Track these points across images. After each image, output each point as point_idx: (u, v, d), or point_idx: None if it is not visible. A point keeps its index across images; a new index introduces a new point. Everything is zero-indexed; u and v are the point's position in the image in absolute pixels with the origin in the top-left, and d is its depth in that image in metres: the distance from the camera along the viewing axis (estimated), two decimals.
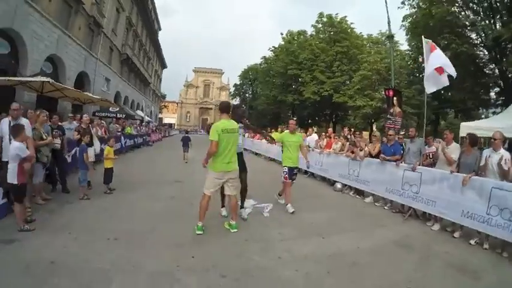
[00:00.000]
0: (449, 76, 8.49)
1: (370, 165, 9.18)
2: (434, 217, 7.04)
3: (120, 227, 5.62)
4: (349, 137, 12.07)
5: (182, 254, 4.61)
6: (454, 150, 7.20)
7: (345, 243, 5.55)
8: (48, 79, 11.89)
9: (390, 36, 21.28)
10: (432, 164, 7.86)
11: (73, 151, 9.64)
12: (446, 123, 35.94)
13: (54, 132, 7.65)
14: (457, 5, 23.35)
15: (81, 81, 24.84)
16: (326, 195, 9.77)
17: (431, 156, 8.06)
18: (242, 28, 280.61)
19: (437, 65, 8.25)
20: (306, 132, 15.71)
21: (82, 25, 23.83)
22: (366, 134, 27.71)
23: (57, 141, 7.69)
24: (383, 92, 25.86)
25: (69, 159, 9.36)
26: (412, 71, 30.79)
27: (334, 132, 14.67)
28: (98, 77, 27.83)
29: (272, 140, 8.75)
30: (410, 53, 31.34)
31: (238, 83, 71.04)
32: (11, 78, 11.79)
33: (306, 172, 12.13)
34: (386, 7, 18.74)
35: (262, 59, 54.59)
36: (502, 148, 6.21)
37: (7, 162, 5.20)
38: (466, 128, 12.49)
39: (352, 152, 10.11)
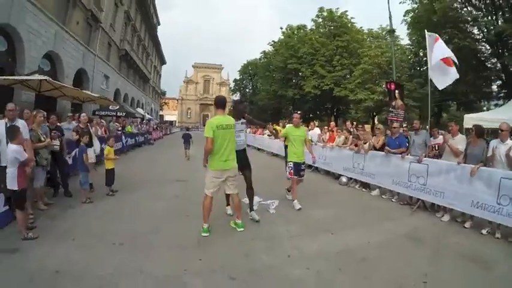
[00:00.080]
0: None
1: (375, 158, 9.10)
2: (444, 208, 7.00)
3: (124, 230, 5.49)
4: (352, 130, 11.95)
5: (188, 257, 4.48)
6: (460, 142, 7.15)
7: (354, 238, 5.43)
8: (46, 77, 11.69)
9: (391, 31, 21.10)
10: (438, 156, 7.79)
11: (73, 152, 9.38)
12: (448, 115, 35.85)
13: (52, 133, 7.45)
14: (459, 1, 23.23)
15: (80, 78, 24.55)
16: (332, 190, 9.65)
17: (437, 148, 8.01)
18: (241, 23, 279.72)
19: (444, 55, 8.10)
20: (307, 127, 15.59)
21: (80, 19, 23.41)
22: (367, 127, 27.63)
23: (56, 142, 7.49)
24: (384, 86, 25.82)
25: (69, 161, 9.15)
26: (413, 64, 30.72)
27: (336, 126, 14.53)
28: (97, 74, 27.50)
29: (276, 133, 8.42)
30: (411, 47, 31.33)
31: (238, 78, 70.88)
32: (7, 77, 11.61)
33: (310, 166, 12.01)
34: (388, 1, 18.60)
35: (262, 53, 54.35)
36: (509, 139, 6.19)
37: (5, 167, 4.98)
38: (470, 119, 12.41)
39: (356, 145, 9.99)
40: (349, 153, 10.21)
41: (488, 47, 23.54)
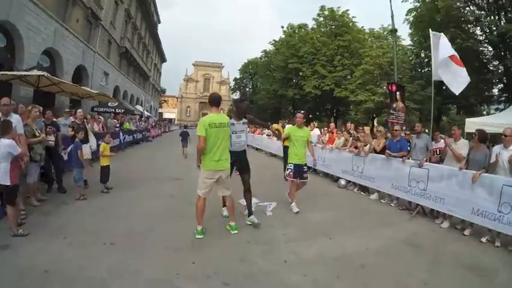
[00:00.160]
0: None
1: (375, 161, 8.98)
2: (443, 214, 6.88)
3: (117, 229, 5.36)
4: (352, 132, 11.83)
5: (182, 260, 4.34)
6: (462, 147, 6.98)
7: (353, 243, 5.31)
8: (44, 73, 11.59)
9: (393, 31, 20.96)
10: (440, 161, 7.65)
11: (69, 148, 9.17)
12: (448, 119, 35.77)
13: (48, 129, 7.34)
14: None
15: (79, 75, 24.44)
16: (330, 193, 9.51)
17: (438, 153, 7.86)
18: (242, 22, 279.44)
19: (451, 53, 7.95)
20: (307, 126, 15.48)
21: (80, 17, 23.33)
22: (367, 129, 27.53)
23: (51, 138, 7.39)
24: (385, 87, 25.69)
25: (65, 157, 8.93)
26: (414, 66, 30.57)
27: (335, 127, 14.42)
28: (96, 71, 27.38)
29: (278, 134, 7.99)
30: (412, 47, 31.12)
31: (238, 77, 70.69)
32: (5, 72, 11.54)
33: (308, 168, 11.92)
34: (390, 0, 18.46)
35: (262, 52, 54.04)
36: None
37: None
38: (472, 124, 12.29)
39: (356, 148, 9.87)
40: (349, 155, 10.08)
41: (491, 49, 23.36)
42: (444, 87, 23.76)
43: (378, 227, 6.43)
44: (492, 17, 22.20)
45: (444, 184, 6.78)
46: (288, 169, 7.30)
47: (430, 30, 8.30)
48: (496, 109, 25.75)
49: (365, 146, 9.56)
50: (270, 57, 48.42)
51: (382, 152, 8.84)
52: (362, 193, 9.46)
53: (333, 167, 10.97)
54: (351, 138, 10.66)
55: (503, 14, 21.70)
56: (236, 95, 71.04)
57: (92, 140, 8.81)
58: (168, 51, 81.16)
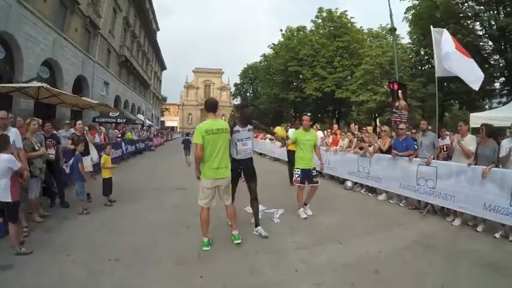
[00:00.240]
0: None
1: (381, 161, 8.85)
2: (454, 212, 6.76)
3: (121, 243, 5.20)
4: (356, 133, 11.67)
5: (189, 274, 4.18)
6: (470, 142, 6.85)
7: (364, 248, 5.13)
8: (43, 84, 11.51)
9: (393, 29, 20.88)
10: (447, 157, 7.52)
11: (71, 161, 9.07)
12: (450, 114, 35.57)
13: (47, 142, 7.21)
14: None
15: (80, 85, 24.45)
16: (337, 195, 9.33)
17: (445, 149, 7.72)
18: (241, 27, 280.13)
19: (454, 45, 7.79)
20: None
21: (78, 26, 23.35)
22: (369, 129, 27.41)
23: (51, 151, 7.27)
24: (386, 86, 25.59)
25: (67, 170, 8.77)
26: (415, 63, 30.49)
27: (338, 128, 14.27)
28: (97, 81, 27.39)
29: (283, 141, 7.56)
30: (412, 46, 31.09)
31: (238, 82, 70.71)
32: (4, 85, 11.47)
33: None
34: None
35: (262, 57, 54.03)
36: None
37: None
38: (476, 118, 12.10)
39: (361, 148, 9.73)
40: (354, 156, 9.94)
41: (491, 43, 23.29)
42: (445, 84, 23.83)
43: (389, 228, 6.28)
44: (491, 12, 22.12)
45: (453, 181, 6.67)
46: (295, 174, 7.08)
47: (431, 26, 8.12)
48: (499, 102, 25.61)
49: (370, 146, 9.41)
50: (270, 61, 48.47)
51: (388, 151, 8.70)
52: (370, 194, 9.32)
53: (339, 169, 10.82)
54: (355, 139, 10.52)
55: (501, 8, 21.67)
56: (237, 101, 71.16)
57: (93, 151, 8.69)
58: (167, 58, 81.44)
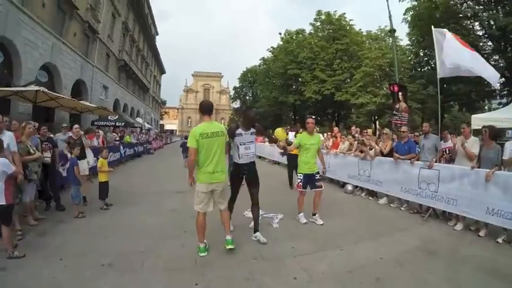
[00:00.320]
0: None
1: (382, 165, 8.71)
2: (456, 216, 6.62)
3: (116, 248, 5.08)
4: (356, 135, 11.54)
5: (184, 281, 4.04)
6: (473, 145, 6.74)
7: (366, 254, 5.01)
8: (41, 88, 11.48)
9: (392, 31, 20.81)
10: (450, 160, 7.39)
11: (67, 164, 9.01)
12: (450, 116, 35.55)
13: (43, 145, 7.11)
14: None
15: (79, 89, 24.38)
16: (337, 199, 9.18)
17: (448, 152, 7.58)
18: (240, 31, 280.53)
19: (460, 43, 7.66)
20: None
21: (77, 31, 23.33)
22: (369, 131, 27.36)
23: (47, 154, 7.16)
24: (386, 88, 25.52)
25: (64, 173, 8.68)
26: (414, 65, 30.46)
27: (339, 131, 14.14)
28: (96, 85, 27.37)
29: (285, 150, 7.18)
30: (411, 47, 31.08)
31: (237, 85, 70.73)
32: (2, 89, 11.43)
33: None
34: (387, 1, 18.35)
35: (261, 60, 53.96)
36: None
37: None
38: (478, 120, 11.98)
39: (361, 152, 9.61)
40: (354, 160, 9.82)
41: (490, 43, 23.24)
42: (445, 85, 23.75)
43: (390, 233, 6.16)
44: (490, 12, 22.06)
45: (456, 185, 6.54)
46: (297, 179, 6.88)
47: (432, 27, 8.00)
48: (499, 103, 25.60)
49: (370, 149, 9.30)
50: (269, 64, 48.36)
51: (389, 154, 8.58)
52: (370, 198, 9.21)
53: (339, 172, 10.69)
54: (356, 142, 10.40)
55: (500, 7, 21.60)
56: (236, 104, 71.14)
57: (90, 155, 8.58)
58: (167, 62, 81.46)
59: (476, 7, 22.61)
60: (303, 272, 4.34)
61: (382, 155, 8.87)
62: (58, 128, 11.69)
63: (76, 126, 8.85)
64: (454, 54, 7.36)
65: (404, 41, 32.24)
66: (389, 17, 18.89)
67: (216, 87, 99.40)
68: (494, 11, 21.77)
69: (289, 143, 9.74)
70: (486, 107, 32.05)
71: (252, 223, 5.78)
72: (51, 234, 5.70)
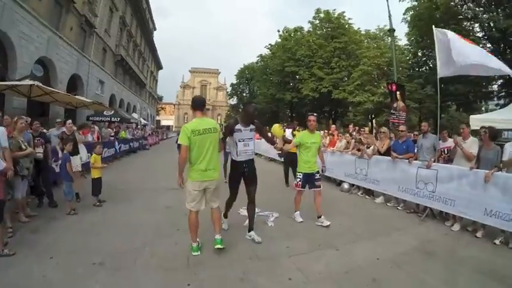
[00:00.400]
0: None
1: (379, 164, 8.64)
2: (453, 216, 6.57)
3: (108, 246, 4.96)
4: (354, 134, 11.46)
5: (176, 281, 3.95)
6: (472, 145, 6.67)
7: (362, 254, 4.94)
8: (35, 82, 11.33)
9: (391, 30, 20.75)
10: (448, 161, 7.32)
11: (60, 160, 8.90)
12: (447, 116, 35.58)
13: (35, 141, 6.96)
14: None
15: (74, 84, 24.19)
16: (333, 197, 9.07)
17: (446, 152, 7.52)
18: (239, 27, 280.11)
19: (464, 40, 7.53)
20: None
21: (74, 25, 23.07)
22: (366, 130, 27.39)
23: (39, 150, 7.02)
24: (384, 87, 25.53)
25: (57, 169, 8.53)
26: (412, 65, 30.53)
27: (336, 129, 14.06)
28: (92, 80, 27.15)
29: (281, 150, 6.83)
30: (409, 47, 31.16)
31: (234, 82, 70.61)
32: None
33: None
34: (387, 0, 18.28)
35: (258, 57, 53.94)
36: None
37: None
38: (476, 121, 11.91)
39: (359, 150, 9.53)
40: (351, 158, 9.75)
41: (490, 45, 23.23)
42: (443, 85, 23.73)
43: (387, 233, 6.08)
44: (490, 14, 22.02)
45: (454, 185, 6.48)
46: (296, 178, 6.72)
47: (433, 27, 7.88)
48: (496, 105, 25.67)
49: (368, 148, 9.22)
50: (266, 61, 48.34)
51: (386, 153, 8.51)
52: (367, 196, 9.14)
53: (335, 170, 10.59)
54: (353, 141, 10.32)
55: (501, 10, 21.59)
56: (233, 101, 71.04)
57: (83, 151, 8.45)
58: (164, 58, 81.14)
59: (477, 9, 22.61)
60: (299, 272, 4.26)
61: (380, 153, 8.79)
62: (53, 123, 11.55)
63: (69, 121, 8.73)
64: (465, 51, 7.19)
65: (402, 40, 32.36)
66: (389, 16, 18.83)
67: (213, 84, 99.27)
68: (495, 13, 21.77)
69: (286, 140, 9.64)
70: (483, 108, 32.14)
71: (247, 221, 5.67)
72: (43, 232, 5.59)
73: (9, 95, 13.71)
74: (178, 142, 4.62)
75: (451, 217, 6.69)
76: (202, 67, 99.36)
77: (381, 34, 35.05)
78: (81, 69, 24.72)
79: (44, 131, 8.56)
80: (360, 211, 7.74)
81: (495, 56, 20.39)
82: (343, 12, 36.49)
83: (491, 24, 21.58)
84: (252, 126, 5.34)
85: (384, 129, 9.42)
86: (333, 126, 14.33)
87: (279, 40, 42.65)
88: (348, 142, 10.65)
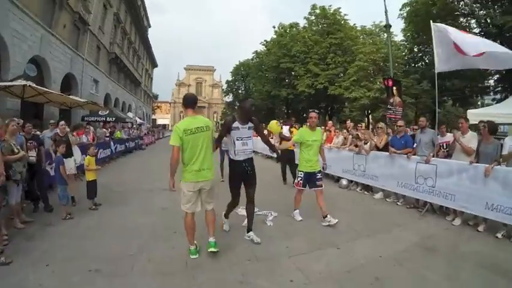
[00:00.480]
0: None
1: (378, 159, 8.59)
2: (454, 211, 6.57)
3: (104, 252, 4.85)
4: (350, 130, 11.36)
5: (174, 286, 3.86)
6: (471, 140, 6.66)
7: (363, 252, 4.87)
8: (27, 82, 11.14)
9: (387, 26, 20.69)
10: (447, 155, 7.29)
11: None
12: (443, 111, 35.67)
13: (28, 144, 6.77)
14: None
15: (69, 83, 23.85)
16: (332, 194, 8.90)
17: (445, 147, 7.49)
18: (234, 24, 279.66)
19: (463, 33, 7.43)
20: (302, 127, 15.03)
21: (67, 22, 22.67)
22: (362, 125, 27.44)
23: (32, 153, 6.84)
24: (380, 82, 25.55)
25: (51, 172, 8.29)
26: (408, 61, 30.62)
27: (333, 125, 13.99)
28: (86, 79, 26.82)
29: (277, 154, 6.45)
30: (405, 43, 31.31)
31: (230, 79, 70.39)
32: None
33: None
34: None
35: (254, 53, 53.73)
36: None
37: None
38: (473, 115, 11.86)
39: (356, 146, 9.46)
40: (349, 154, 9.68)
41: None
42: (439, 80, 23.75)
43: (387, 229, 6.03)
44: (487, 10, 22.10)
45: (454, 179, 6.46)
46: (297, 177, 6.53)
47: (431, 22, 7.78)
48: (493, 99, 25.76)
49: (365, 143, 9.15)
50: (262, 57, 48.18)
51: (384, 149, 8.44)
52: (365, 192, 9.11)
53: (333, 166, 10.48)
54: (351, 137, 10.24)
55: (497, 6, 21.70)
56: (229, 98, 70.90)
57: (77, 152, 8.31)
58: (160, 56, 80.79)
59: (474, 5, 22.63)
60: (299, 272, 4.18)
61: (378, 149, 8.72)
62: (47, 124, 11.40)
63: (62, 122, 8.57)
64: (472, 41, 7.06)
65: (398, 36, 32.40)
66: (386, 12, 18.76)
67: (208, 81, 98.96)
68: (491, 10, 21.79)
69: (283, 137, 9.54)
70: (479, 103, 32.27)
71: (246, 221, 5.57)
72: (39, 238, 5.47)
73: (2, 96, 13.39)
74: (170, 143, 4.43)
75: (451, 212, 6.67)
76: (197, 64, 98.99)
77: (377, 30, 35.07)
78: (75, 68, 24.39)
79: (38, 133, 8.43)
80: (359, 207, 7.67)
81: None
82: (339, 8, 36.46)
83: (488, 21, 21.66)
84: (250, 124, 5.17)
85: (381, 124, 9.35)
86: (330, 122, 14.23)
87: (275, 36, 42.51)
88: (345, 138, 10.57)
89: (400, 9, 27.28)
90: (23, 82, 11.25)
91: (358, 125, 12.45)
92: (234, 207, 5.53)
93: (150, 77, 70.44)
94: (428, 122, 8.34)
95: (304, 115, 38.37)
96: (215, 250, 4.60)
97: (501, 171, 5.70)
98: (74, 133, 10.03)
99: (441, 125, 7.94)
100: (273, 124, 9.40)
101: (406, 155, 7.61)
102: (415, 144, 7.89)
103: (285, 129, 10.59)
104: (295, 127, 11.41)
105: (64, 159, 6.89)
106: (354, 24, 37.92)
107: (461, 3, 23.23)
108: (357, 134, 9.90)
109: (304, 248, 5.05)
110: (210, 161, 4.68)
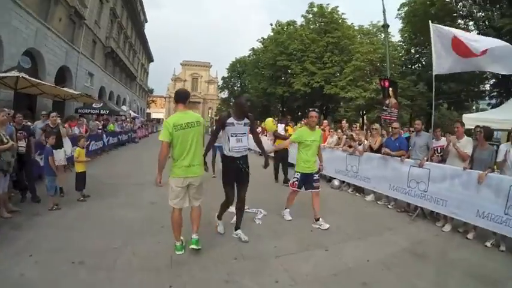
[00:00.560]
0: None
1: (371, 161, 8.54)
2: (444, 217, 6.51)
3: (89, 244, 4.77)
4: (345, 130, 11.31)
5: (157, 282, 3.79)
6: (466, 145, 6.55)
7: (352, 255, 4.82)
8: (21, 74, 11.08)
9: (385, 26, 20.66)
10: (441, 160, 7.20)
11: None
12: (438, 114, 35.74)
13: (18, 134, 6.72)
14: None
15: (63, 76, 23.69)
16: (323, 195, 8.63)
17: (439, 151, 7.39)
18: (232, 20, 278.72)
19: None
20: (296, 125, 14.98)
21: (63, 16, 22.48)
22: (357, 126, 27.42)
23: (22, 143, 6.78)
24: (376, 83, 25.51)
25: (41, 162, 8.19)
26: (405, 62, 30.56)
27: (327, 124, 13.93)
28: (81, 72, 26.66)
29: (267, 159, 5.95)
30: (402, 44, 31.26)
31: (226, 75, 70.24)
32: None
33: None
34: None
35: (250, 50, 53.56)
36: None
37: None
38: (469, 120, 11.85)
39: (350, 146, 9.41)
40: (342, 154, 9.63)
41: None
42: (435, 83, 23.78)
43: (377, 232, 5.98)
44: (486, 12, 22.13)
45: (447, 185, 6.39)
46: (293, 178, 6.36)
47: (430, 22, 7.72)
48: (488, 104, 25.79)
49: (359, 144, 9.10)
50: (258, 55, 48.09)
51: (378, 150, 8.40)
52: (357, 194, 9.07)
53: (326, 166, 10.43)
54: (345, 137, 10.19)
55: (495, 8, 21.67)
56: (224, 94, 70.79)
57: (67, 144, 8.21)
58: (155, 51, 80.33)
59: (472, 7, 22.65)
60: (286, 273, 4.12)
61: (371, 150, 8.68)
62: (40, 115, 11.30)
63: (53, 113, 8.49)
64: (476, 38, 7.00)
65: (396, 37, 32.38)
66: (383, 11, 18.72)
67: (204, 77, 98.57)
68: (490, 12, 21.80)
69: (278, 135, 9.47)
70: (474, 107, 32.32)
71: (234, 218, 5.49)
72: (25, 228, 5.40)
73: None
74: (159, 138, 4.37)
75: (442, 217, 6.63)
76: (193, 60, 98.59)
77: (374, 30, 34.93)
78: (70, 61, 24.25)
79: (28, 123, 8.31)
80: (350, 209, 7.63)
81: None
82: (337, 6, 36.23)
83: (486, 23, 21.64)
84: (246, 121, 5.07)
85: (376, 125, 9.31)
86: (325, 121, 14.18)
87: (272, 34, 42.31)
88: (339, 138, 10.52)
89: (398, 9, 27.32)
90: (16, 73, 11.17)
91: (353, 125, 12.40)
92: (227, 207, 5.39)
93: (146, 72, 70.11)
94: (423, 125, 8.29)
95: (300, 113, 38.41)
96: (197, 247, 4.53)
97: (494, 178, 5.63)
98: (66, 124, 9.93)
99: (436, 128, 7.87)
100: (269, 122, 9.35)
101: (399, 158, 7.56)
102: (410, 148, 7.81)
103: (280, 128, 10.54)
104: (290, 125, 11.36)
105: (54, 151, 6.82)
106: (352, 23, 37.89)
107: (460, 4, 23.22)
108: (351, 135, 9.86)
109: (292, 248, 4.99)
110: (200, 156, 4.63)
